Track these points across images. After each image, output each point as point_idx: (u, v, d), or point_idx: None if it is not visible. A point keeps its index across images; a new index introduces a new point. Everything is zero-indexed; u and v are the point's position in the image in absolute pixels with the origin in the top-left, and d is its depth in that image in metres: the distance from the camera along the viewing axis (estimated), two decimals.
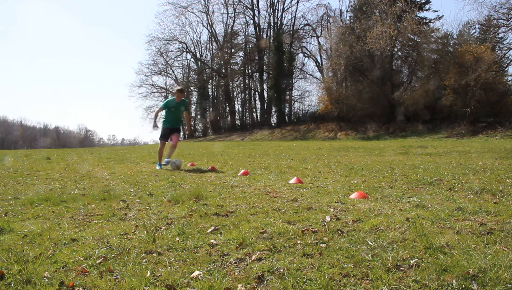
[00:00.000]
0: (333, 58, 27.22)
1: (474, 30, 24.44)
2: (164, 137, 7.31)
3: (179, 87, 7.59)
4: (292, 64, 35.05)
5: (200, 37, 57.49)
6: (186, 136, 38.69)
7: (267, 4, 35.97)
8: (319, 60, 34.68)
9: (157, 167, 7.08)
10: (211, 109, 39.81)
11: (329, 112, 27.00)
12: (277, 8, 35.41)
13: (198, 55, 40.56)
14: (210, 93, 40.99)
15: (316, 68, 35.23)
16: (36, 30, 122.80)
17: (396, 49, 25.26)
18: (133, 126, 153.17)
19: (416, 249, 2.03)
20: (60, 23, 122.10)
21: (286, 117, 34.98)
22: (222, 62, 38.32)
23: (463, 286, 1.57)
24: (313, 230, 2.45)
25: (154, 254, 2.07)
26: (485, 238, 2.19)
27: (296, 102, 36.95)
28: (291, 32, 35.13)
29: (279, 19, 35.52)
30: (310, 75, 36.41)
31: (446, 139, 18.53)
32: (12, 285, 1.69)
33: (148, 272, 1.80)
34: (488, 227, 2.43)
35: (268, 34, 36.08)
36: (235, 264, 1.92)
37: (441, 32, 24.29)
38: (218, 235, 2.41)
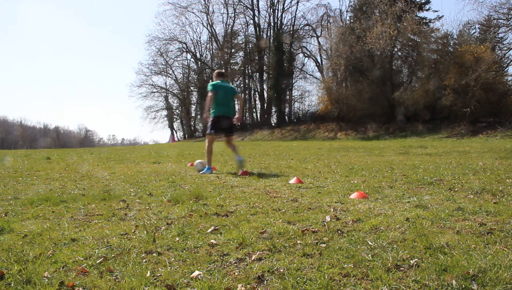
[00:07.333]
0: (333, 58, 27.25)
1: (474, 30, 24.50)
2: None
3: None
4: (292, 64, 35.06)
5: (200, 37, 57.49)
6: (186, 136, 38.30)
7: (267, 4, 36.07)
8: (319, 60, 34.75)
9: None
10: None
11: (329, 112, 27.02)
12: (277, 8, 35.47)
13: (198, 55, 40.62)
14: None
15: (316, 68, 35.31)
16: (36, 30, 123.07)
17: (396, 49, 25.28)
18: (133, 126, 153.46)
19: (416, 249, 2.03)
20: (60, 23, 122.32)
21: (286, 117, 34.99)
22: (222, 62, 38.33)
23: (463, 286, 1.57)
24: (313, 230, 2.45)
25: (154, 254, 2.07)
26: (485, 238, 2.19)
27: (296, 102, 37.00)
28: (291, 32, 35.14)
29: (279, 19, 35.58)
30: (310, 75, 36.47)
31: (446, 139, 18.53)
32: (12, 285, 1.69)
33: (148, 272, 1.80)
34: (488, 227, 2.43)
35: (268, 34, 36.14)
36: (235, 264, 1.92)
37: (441, 32, 24.35)
38: (218, 235, 2.41)
